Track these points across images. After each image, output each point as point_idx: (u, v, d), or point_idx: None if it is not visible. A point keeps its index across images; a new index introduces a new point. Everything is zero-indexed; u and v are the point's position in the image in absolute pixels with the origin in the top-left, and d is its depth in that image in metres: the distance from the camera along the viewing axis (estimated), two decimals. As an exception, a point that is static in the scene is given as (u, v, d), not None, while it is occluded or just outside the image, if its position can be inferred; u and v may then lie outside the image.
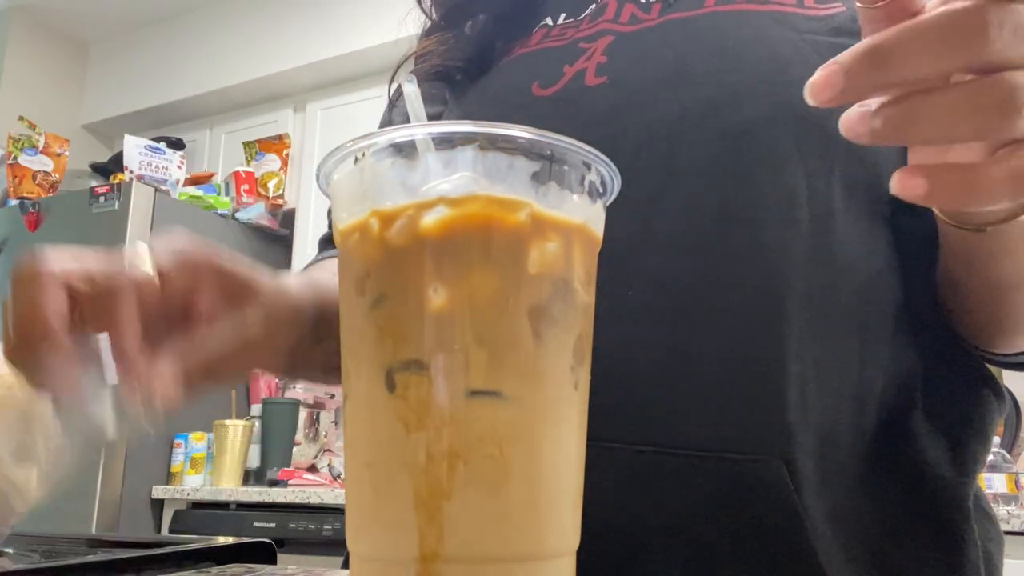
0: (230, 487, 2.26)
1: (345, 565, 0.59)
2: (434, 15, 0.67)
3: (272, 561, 0.50)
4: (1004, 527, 1.44)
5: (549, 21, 0.62)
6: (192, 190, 2.74)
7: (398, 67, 0.66)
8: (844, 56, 0.26)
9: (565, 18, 0.61)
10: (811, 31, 0.50)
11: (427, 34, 0.67)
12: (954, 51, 0.25)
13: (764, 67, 0.48)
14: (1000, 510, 1.48)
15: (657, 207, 0.47)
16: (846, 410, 0.47)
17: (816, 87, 0.27)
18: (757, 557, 0.44)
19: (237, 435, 2.36)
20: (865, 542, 0.46)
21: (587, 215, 0.31)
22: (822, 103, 0.27)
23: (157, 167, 2.69)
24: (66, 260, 0.35)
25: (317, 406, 2.60)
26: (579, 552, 0.31)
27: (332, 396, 2.66)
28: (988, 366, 0.52)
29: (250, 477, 2.45)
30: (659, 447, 0.46)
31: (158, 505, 2.36)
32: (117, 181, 2.56)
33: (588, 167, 0.31)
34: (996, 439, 1.74)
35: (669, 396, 0.46)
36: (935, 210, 0.40)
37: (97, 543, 0.61)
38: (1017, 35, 0.25)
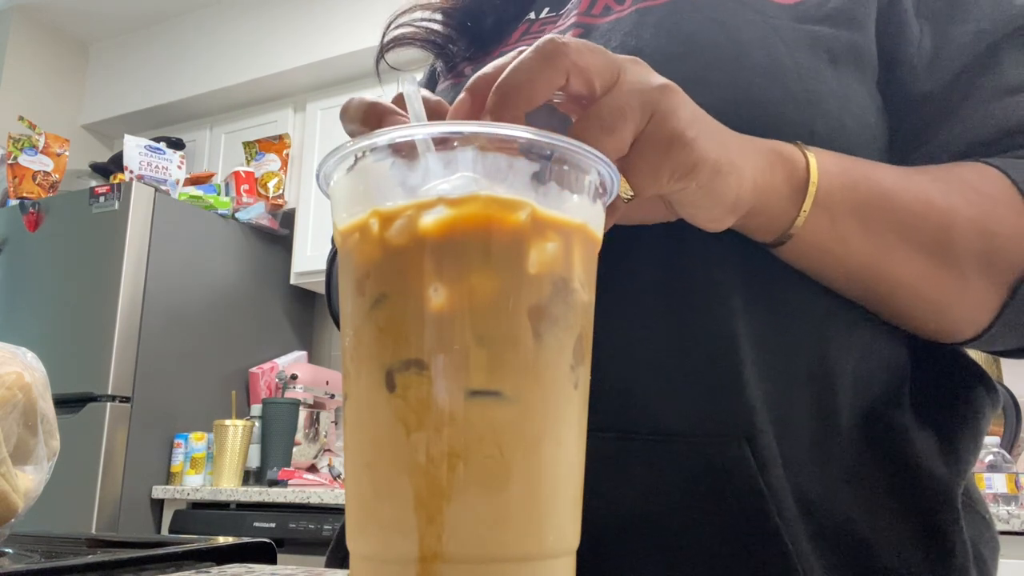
0: (230, 487, 2.26)
1: (329, 564, 0.59)
2: None
3: (272, 561, 0.50)
4: (1004, 527, 1.45)
5: (533, 15, 0.62)
6: (192, 190, 2.74)
7: (387, 27, 0.65)
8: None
9: (548, 12, 0.61)
10: (775, 16, 0.50)
11: None
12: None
13: (722, 53, 0.48)
14: (1000, 510, 1.48)
15: None
16: (802, 394, 0.47)
17: (453, 114, 0.37)
18: (724, 539, 0.44)
19: (237, 435, 2.36)
20: (843, 531, 0.46)
21: (587, 215, 0.31)
22: None
23: (157, 167, 2.69)
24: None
25: (317, 406, 2.61)
26: None
27: (332, 396, 2.67)
28: (986, 362, 0.52)
29: (250, 477, 2.45)
30: (622, 432, 0.46)
31: (158, 505, 2.36)
32: (117, 181, 2.56)
33: (588, 167, 0.31)
34: (996, 439, 1.74)
35: (628, 382, 0.47)
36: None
37: (97, 543, 0.61)
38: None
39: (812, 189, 0.43)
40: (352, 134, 0.40)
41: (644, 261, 0.47)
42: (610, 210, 0.36)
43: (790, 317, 0.47)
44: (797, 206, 0.43)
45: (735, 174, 0.39)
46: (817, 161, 0.43)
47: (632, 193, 0.37)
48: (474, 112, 0.36)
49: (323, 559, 0.60)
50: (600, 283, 0.47)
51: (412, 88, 0.34)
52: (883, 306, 0.48)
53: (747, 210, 0.42)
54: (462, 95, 0.36)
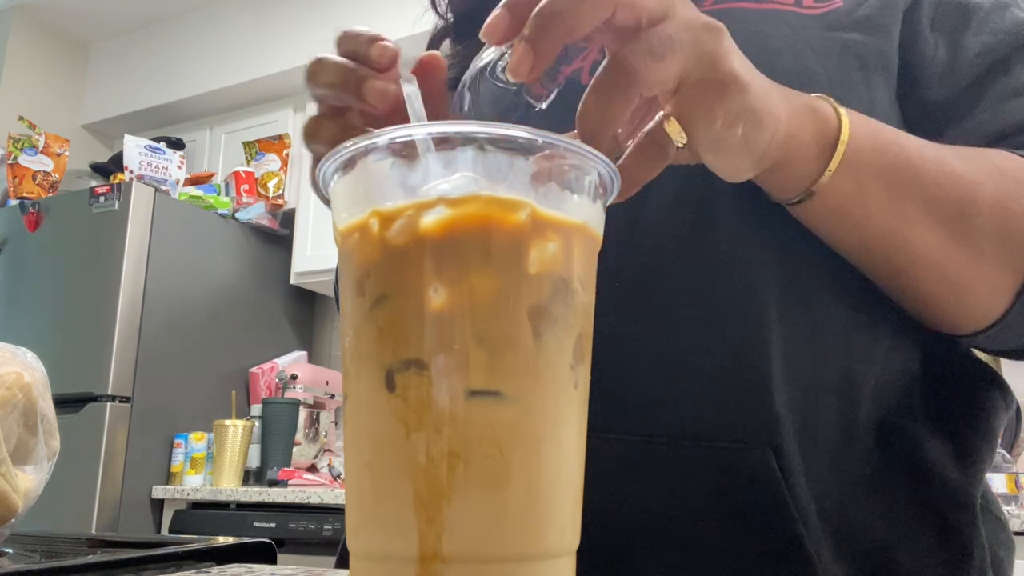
0: (230, 487, 2.26)
1: (338, 564, 0.59)
2: (449, 16, 0.67)
3: (272, 561, 0.50)
4: (1004, 527, 1.44)
5: None
6: (192, 190, 2.74)
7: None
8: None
9: None
10: (805, 27, 0.50)
11: (438, 36, 0.68)
12: None
13: (753, 61, 0.48)
14: (1000, 510, 1.48)
15: (643, 203, 0.47)
16: (827, 404, 0.47)
17: (487, 29, 0.33)
18: (746, 545, 0.44)
19: (237, 435, 2.36)
20: (862, 538, 0.46)
21: (587, 215, 0.31)
22: (496, 43, 0.34)
23: (157, 167, 2.69)
24: None
25: (317, 406, 2.61)
26: None
27: (332, 396, 2.67)
28: (991, 365, 0.53)
29: (250, 477, 2.45)
30: (647, 436, 0.46)
31: (158, 505, 2.36)
32: (117, 181, 2.56)
33: (588, 168, 0.31)
34: (996, 439, 1.74)
35: (656, 386, 0.47)
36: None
37: (97, 543, 0.61)
38: None
39: (842, 148, 0.42)
40: (320, 99, 0.38)
41: (676, 267, 0.47)
42: (660, 157, 0.36)
43: (820, 327, 0.47)
44: (823, 164, 0.42)
45: (772, 125, 0.38)
46: (849, 121, 0.43)
47: (685, 139, 0.36)
48: (510, 32, 0.33)
49: (322, 559, 0.60)
50: (630, 287, 0.48)
51: (412, 88, 0.34)
52: (899, 282, 0.47)
53: (772, 163, 0.41)
54: (498, 10, 0.33)
